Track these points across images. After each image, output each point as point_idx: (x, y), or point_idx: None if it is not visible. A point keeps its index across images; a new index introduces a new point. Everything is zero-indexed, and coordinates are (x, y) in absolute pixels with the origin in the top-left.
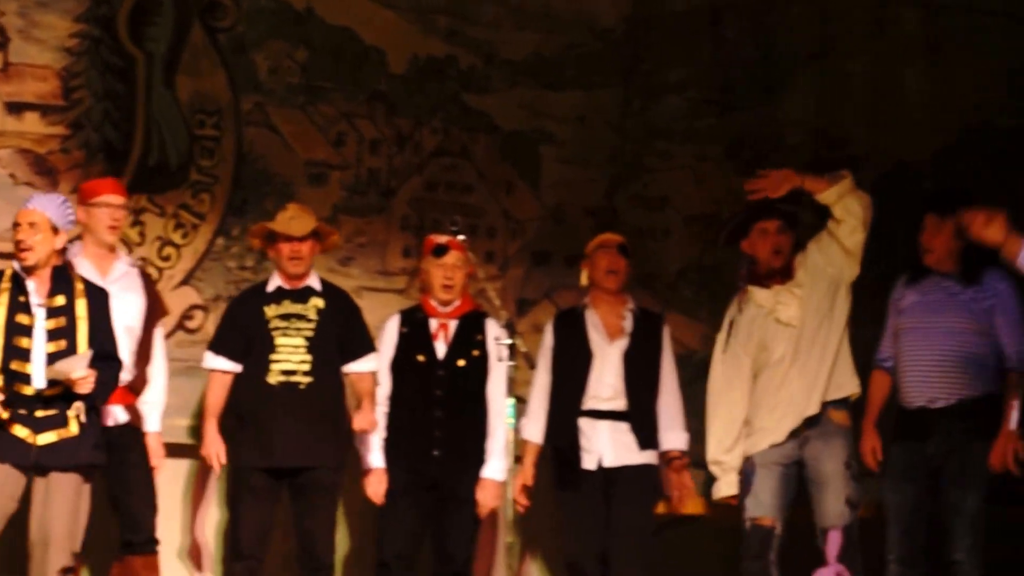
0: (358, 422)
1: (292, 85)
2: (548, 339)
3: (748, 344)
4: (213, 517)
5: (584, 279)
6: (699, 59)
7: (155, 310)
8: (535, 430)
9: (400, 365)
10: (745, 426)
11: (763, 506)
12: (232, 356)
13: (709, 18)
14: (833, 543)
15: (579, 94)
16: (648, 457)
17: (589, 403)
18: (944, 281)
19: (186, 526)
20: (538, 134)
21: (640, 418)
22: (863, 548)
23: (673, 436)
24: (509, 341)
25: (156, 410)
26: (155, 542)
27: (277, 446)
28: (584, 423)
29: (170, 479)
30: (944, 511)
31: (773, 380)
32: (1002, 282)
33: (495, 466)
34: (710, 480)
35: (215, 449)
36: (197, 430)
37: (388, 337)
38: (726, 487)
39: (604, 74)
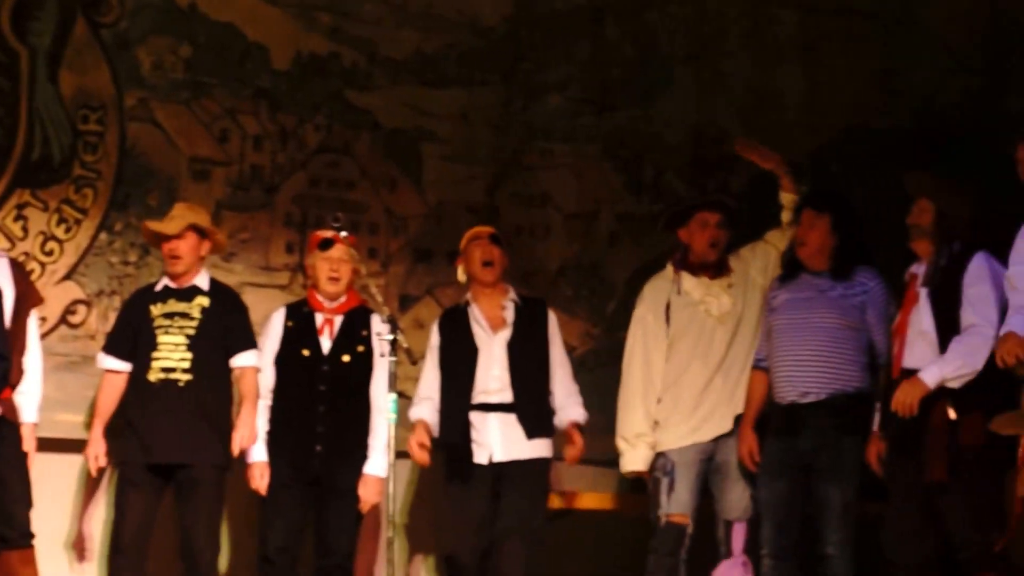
0: (235, 437)
1: (176, 81)
2: (435, 338)
3: (667, 329)
4: (101, 512)
5: (461, 275)
6: (579, 58)
7: (26, 299)
8: (423, 410)
9: (285, 359)
10: (660, 414)
11: (681, 504)
12: (121, 355)
13: (589, 17)
14: (739, 535)
15: (461, 92)
16: (539, 450)
17: (478, 397)
18: (815, 278)
19: (75, 521)
20: (420, 132)
21: (527, 408)
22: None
23: (572, 412)
24: (391, 337)
25: (32, 401)
26: (30, 536)
27: (157, 443)
28: (475, 417)
29: (59, 474)
30: (816, 506)
31: (699, 377)
32: (873, 279)
33: (377, 462)
34: (600, 475)
35: (95, 451)
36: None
37: (273, 330)
38: (637, 461)
39: (485, 72)
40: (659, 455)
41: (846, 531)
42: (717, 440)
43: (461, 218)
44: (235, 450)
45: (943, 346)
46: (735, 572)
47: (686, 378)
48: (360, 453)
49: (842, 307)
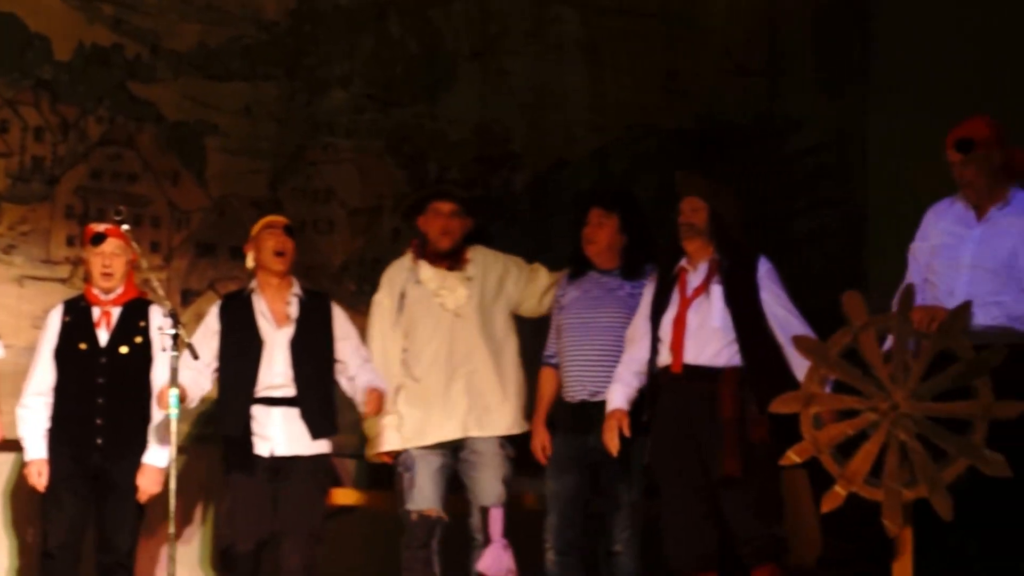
0: None
1: None
2: (213, 323)
3: (404, 318)
4: None
5: (250, 262)
6: (363, 54)
7: None
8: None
9: (63, 354)
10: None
11: (427, 498)
12: None
13: (373, 13)
14: (495, 520)
15: (244, 86)
16: (321, 447)
17: (262, 391)
18: (604, 277)
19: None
20: (203, 125)
21: (311, 405)
22: (531, 539)
23: (370, 377)
24: (173, 331)
25: None
26: None
27: None
28: (257, 410)
29: None
30: (603, 503)
31: (439, 373)
32: None
33: (156, 453)
34: (363, 471)
35: None
36: None
37: (51, 326)
38: (383, 443)
39: (269, 66)
40: (401, 451)
41: (633, 528)
42: (464, 439)
43: (244, 212)
44: None
45: (741, 341)
46: (501, 557)
47: (424, 372)
48: (140, 446)
49: (631, 306)
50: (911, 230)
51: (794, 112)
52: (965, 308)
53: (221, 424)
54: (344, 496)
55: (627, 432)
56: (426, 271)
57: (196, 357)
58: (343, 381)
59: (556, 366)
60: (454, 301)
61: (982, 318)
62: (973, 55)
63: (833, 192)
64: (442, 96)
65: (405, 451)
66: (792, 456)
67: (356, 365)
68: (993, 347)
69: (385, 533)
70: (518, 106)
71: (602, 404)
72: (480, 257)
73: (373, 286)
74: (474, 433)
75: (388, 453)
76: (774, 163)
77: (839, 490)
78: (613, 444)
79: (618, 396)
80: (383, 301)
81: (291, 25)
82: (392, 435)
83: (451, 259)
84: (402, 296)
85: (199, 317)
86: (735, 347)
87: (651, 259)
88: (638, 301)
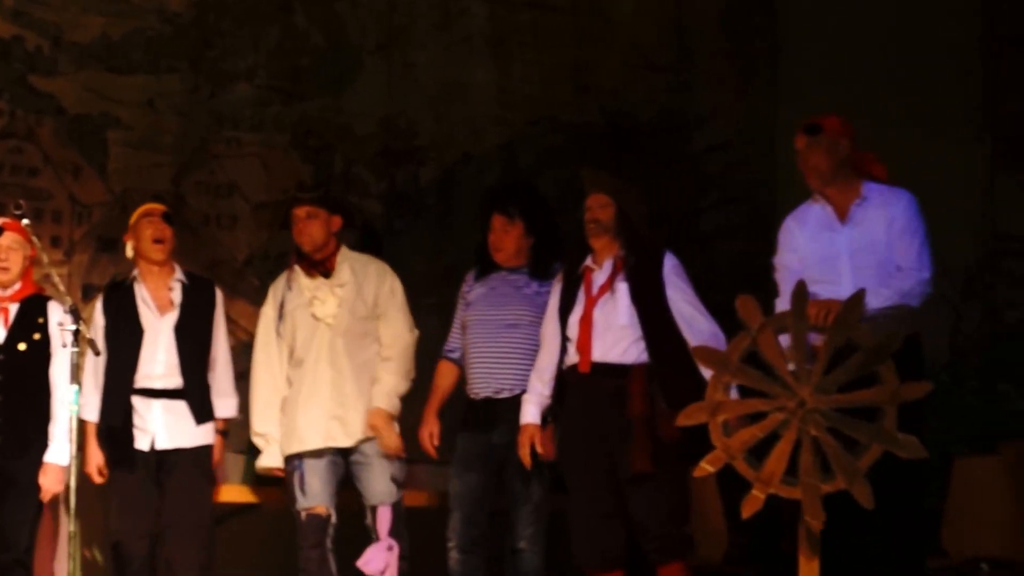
0: None
1: None
2: (99, 318)
3: (284, 326)
4: None
5: (129, 251)
6: (268, 46)
7: None
8: (90, 409)
9: None
10: (286, 415)
11: (315, 497)
12: None
13: (278, 5)
14: (383, 519)
15: (147, 79)
16: (203, 438)
17: (142, 381)
18: (511, 275)
19: None
20: (105, 118)
21: (195, 393)
22: (434, 537)
23: (222, 403)
24: (74, 327)
25: None
26: None
27: None
28: (137, 402)
29: None
30: (508, 500)
31: (319, 382)
32: None
33: (57, 451)
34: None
35: None
36: None
37: None
38: (270, 458)
39: (172, 59)
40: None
41: (538, 525)
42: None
43: None
44: None
45: (648, 338)
46: (380, 556)
47: (298, 379)
48: (40, 443)
49: (537, 304)
50: None
51: (702, 108)
52: (858, 298)
53: (103, 414)
54: (243, 493)
55: (539, 448)
56: (302, 280)
57: (98, 353)
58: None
59: (455, 361)
60: (324, 311)
61: (875, 301)
62: (880, 52)
63: (741, 188)
64: (348, 89)
65: (294, 454)
66: (705, 466)
67: (216, 387)
68: (892, 333)
69: (288, 531)
70: (425, 100)
71: (507, 401)
72: (357, 264)
73: None
74: (339, 443)
75: (275, 468)
76: (682, 159)
77: (757, 493)
78: (526, 460)
79: (530, 411)
80: (267, 312)
81: (195, 17)
82: (271, 450)
83: (321, 266)
84: (282, 306)
85: None
86: (642, 344)
87: (559, 257)
88: (545, 299)
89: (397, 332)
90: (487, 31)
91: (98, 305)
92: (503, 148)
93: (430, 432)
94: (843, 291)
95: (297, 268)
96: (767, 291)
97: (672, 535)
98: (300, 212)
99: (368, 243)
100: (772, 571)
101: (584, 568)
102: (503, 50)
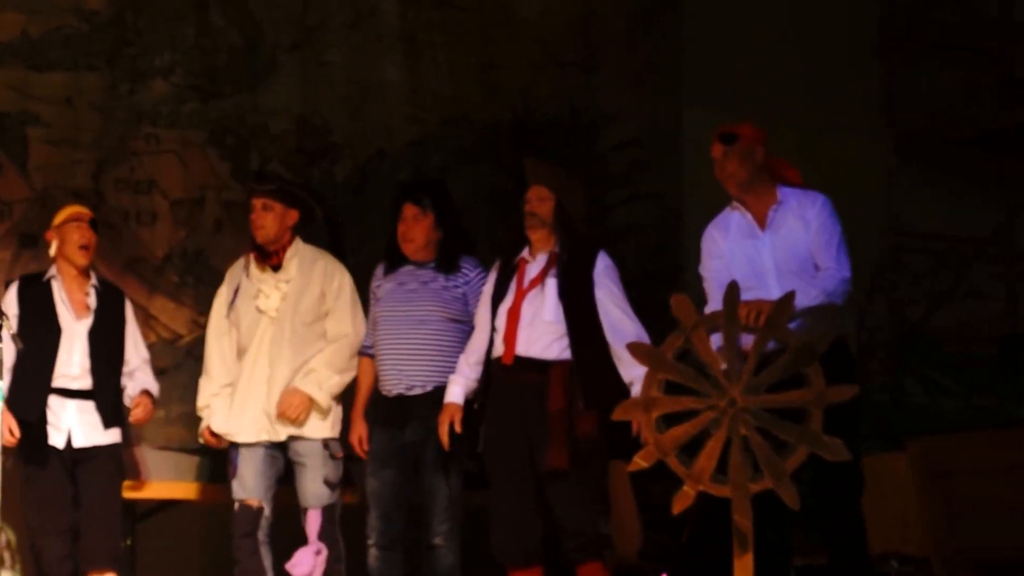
0: None
1: None
2: (13, 308)
3: (234, 313)
4: None
5: (53, 250)
6: (184, 44)
7: None
8: None
9: None
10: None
11: (247, 488)
12: None
13: (194, 3)
14: (312, 522)
15: (65, 76)
16: (114, 436)
17: (59, 380)
18: (419, 270)
19: None
20: (25, 115)
21: (106, 397)
22: (352, 533)
23: (145, 380)
24: None
25: None
26: None
27: None
28: (53, 400)
29: None
30: (424, 496)
31: (259, 374)
32: (475, 269)
33: None
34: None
35: None
36: None
37: None
38: (206, 421)
39: (91, 56)
40: (230, 444)
41: (453, 521)
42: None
43: (66, 203)
44: None
45: (572, 336)
46: (307, 559)
47: (243, 373)
48: None
49: (444, 299)
50: None
51: (609, 106)
52: (788, 299)
53: (18, 409)
54: (180, 490)
55: (458, 428)
56: (253, 269)
57: (22, 348)
58: (124, 377)
59: (374, 357)
60: (267, 304)
61: (803, 300)
62: (782, 52)
63: (648, 186)
64: (263, 87)
65: (232, 443)
66: (639, 461)
67: (135, 364)
68: (820, 334)
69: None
70: (338, 98)
71: (419, 398)
72: (307, 259)
73: (195, 278)
74: (271, 438)
75: (213, 434)
76: (589, 157)
77: (688, 490)
78: (443, 437)
79: (454, 391)
80: (221, 292)
81: (113, 15)
82: (218, 415)
83: (271, 258)
84: (236, 291)
85: None
86: (566, 341)
87: (466, 252)
88: (453, 294)
89: (341, 329)
90: (398, 30)
91: (12, 295)
92: (415, 146)
93: (359, 436)
94: (771, 295)
95: (251, 257)
96: (675, 288)
97: (589, 534)
98: (256, 203)
99: (331, 238)
100: (685, 567)
101: (504, 563)
102: (414, 49)
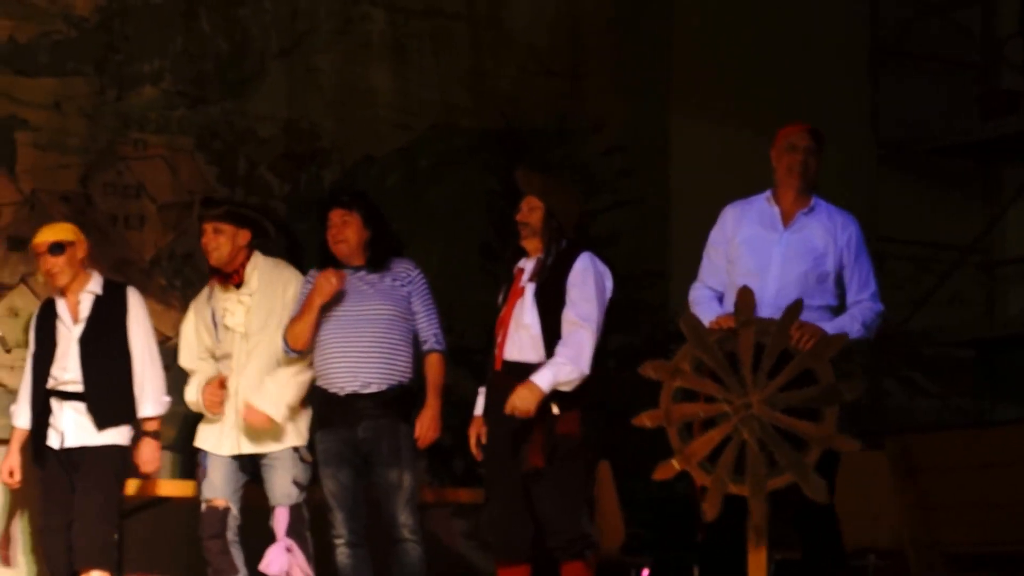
0: None
1: None
2: (32, 330)
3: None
4: None
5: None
6: (173, 50)
7: None
8: (20, 416)
9: None
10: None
11: (215, 489)
12: None
13: (182, 10)
14: (280, 520)
15: (54, 81)
16: (109, 438)
17: (55, 385)
18: (357, 273)
19: None
20: (13, 120)
21: (98, 400)
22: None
23: (146, 405)
24: None
25: None
26: None
27: None
28: (53, 402)
29: None
30: (384, 493)
31: (228, 391)
32: (415, 269)
33: None
34: (179, 463)
35: None
36: None
37: None
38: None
39: (79, 62)
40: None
41: (416, 515)
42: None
43: (55, 207)
44: None
45: (547, 341)
46: (280, 557)
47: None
48: None
49: (395, 298)
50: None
51: (597, 113)
52: (839, 339)
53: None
54: (166, 487)
55: (483, 440)
56: (216, 292)
57: (8, 350)
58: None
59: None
60: (234, 320)
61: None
62: (769, 60)
63: (635, 192)
64: (251, 93)
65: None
66: (644, 419)
67: (142, 374)
68: (853, 381)
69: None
70: (326, 104)
71: (373, 396)
72: (267, 271)
73: (183, 281)
74: (245, 451)
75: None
76: (576, 163)
77: (675, 463)
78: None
79: (478, 403)
80: (184, 329)
81: (101, 21)
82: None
83: (232, 278)
84: (213, 318)
85: (11, 311)
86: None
87: (395, 252)
88: (398, 293)
89: None
90: (387, 37)
91: (34, 319)
92: (403, 151)
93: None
94: (768, 287)
95: (213, 284)
96: (658, 294)
97: (572, 533)
98: (207, 227)
99: (288, 248)
100: (667, 560)
101: (495, 559)
102: (402, 56)
